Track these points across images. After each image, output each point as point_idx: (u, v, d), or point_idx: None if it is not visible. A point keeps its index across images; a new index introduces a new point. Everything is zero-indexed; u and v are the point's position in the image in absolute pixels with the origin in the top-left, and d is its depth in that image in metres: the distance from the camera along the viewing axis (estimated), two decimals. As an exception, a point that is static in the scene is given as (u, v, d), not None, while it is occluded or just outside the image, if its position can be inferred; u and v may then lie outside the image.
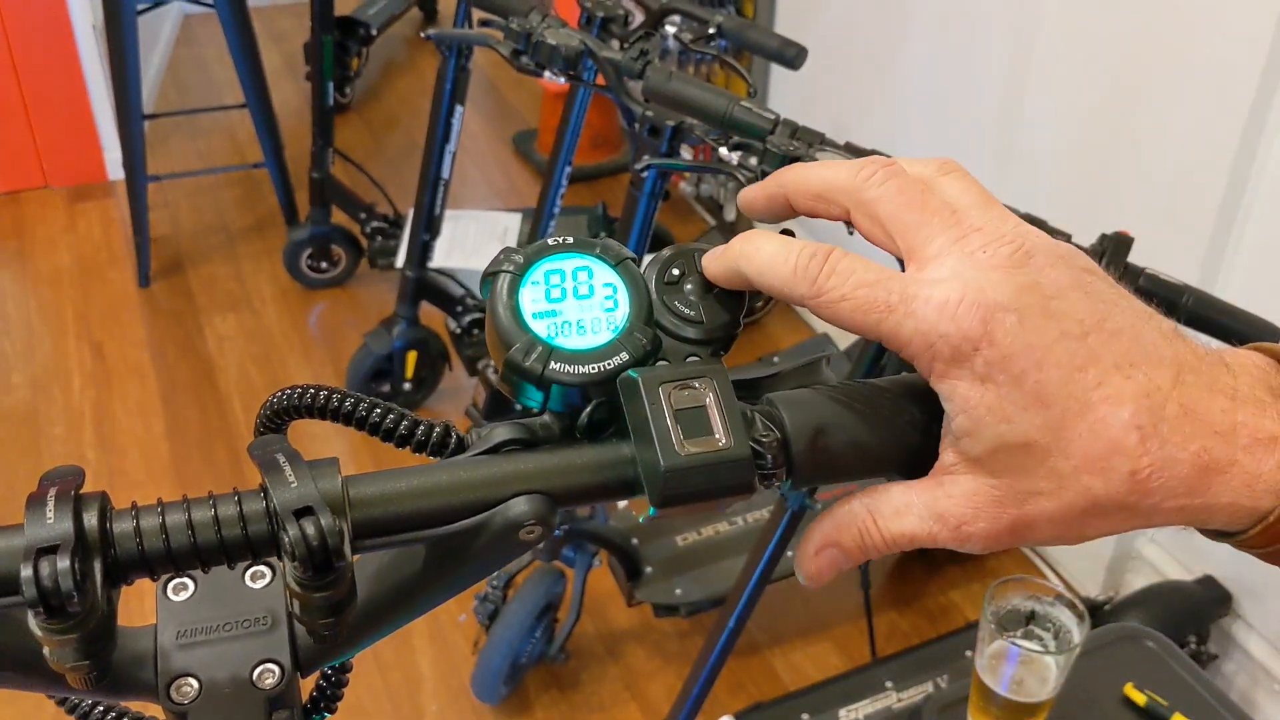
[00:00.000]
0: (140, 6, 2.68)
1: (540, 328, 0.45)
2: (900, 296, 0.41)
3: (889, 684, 1.87)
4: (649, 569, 1.99)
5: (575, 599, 2.00)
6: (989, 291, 0.41)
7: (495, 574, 2.00)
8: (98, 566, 0.39)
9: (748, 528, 2.11)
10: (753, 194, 0.48)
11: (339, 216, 2.97)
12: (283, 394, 0.48)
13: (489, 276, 0.46)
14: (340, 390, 0.47)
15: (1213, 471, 0.41)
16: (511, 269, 0.46)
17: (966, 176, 0.45)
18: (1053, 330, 0.41)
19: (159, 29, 4.01)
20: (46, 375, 2.75)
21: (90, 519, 0.39)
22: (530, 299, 0.45)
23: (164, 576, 0.43)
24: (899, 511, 0.44)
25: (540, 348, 0.44)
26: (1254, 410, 0.42)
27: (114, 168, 3.41)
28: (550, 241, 0.47)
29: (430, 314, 2.54)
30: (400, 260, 2.52)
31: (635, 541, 2.01)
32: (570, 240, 0.47)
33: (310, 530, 0.38)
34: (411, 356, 2.55)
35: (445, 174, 2.30)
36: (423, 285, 2.44)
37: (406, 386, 2.60)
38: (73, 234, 3.26)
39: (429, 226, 2.37)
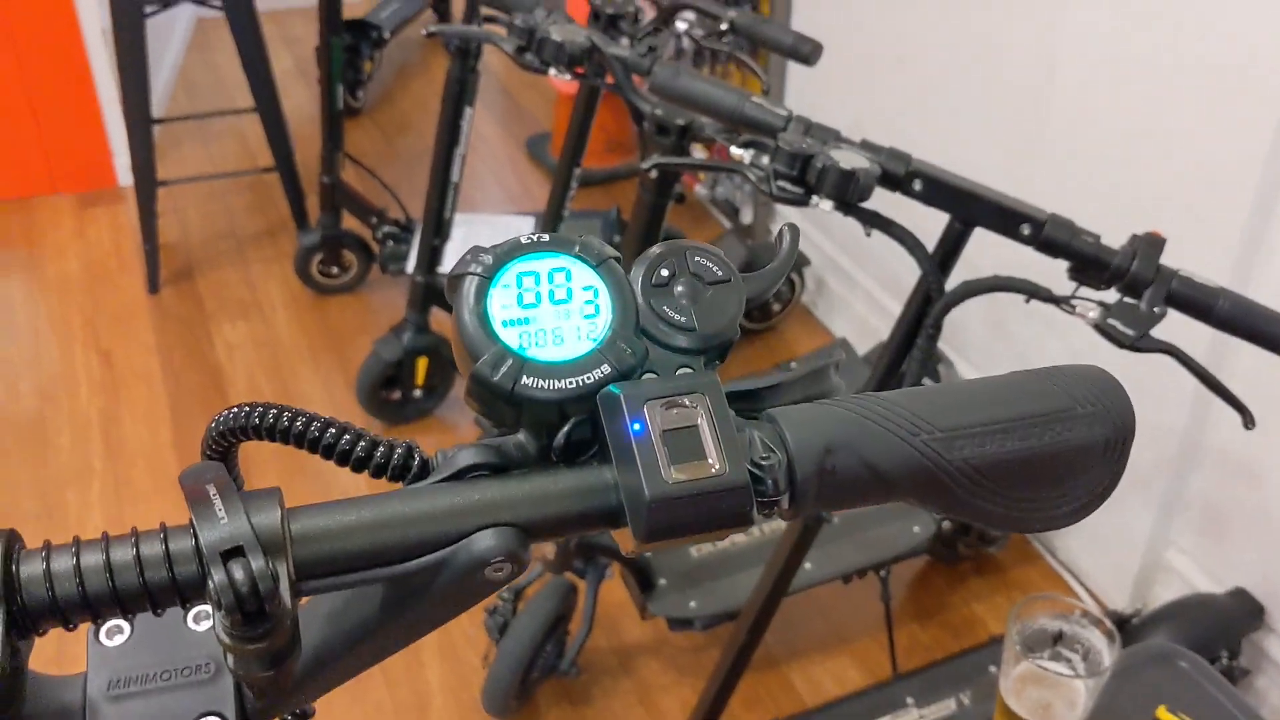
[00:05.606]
0: (149, 9, 2.66)
1: (511, 337, 0.40)
2: None
3: (910, 700, 1.82)
4: (662, 581, 1.94)
5: (587, 611, 1.95)
6: None
7: (505, 586, 1.95)
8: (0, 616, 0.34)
9: (764, 539, 2.06)
10: None
11: (350, 222, 2.94)
12: (228, 414, 0.43)
13: (455, 279, 0.41)
14: (291, 409, 0.42)
15: None
16: (479, 270, 0.41)
17: None
18: None
19: (170, 32, 3.99)
20: (54, 383, 2.72)
21: None
22: (500, 304, 0.40)
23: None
24: None
25: (511, 360, 0.39)
26: None
27: (123, 173, 3.39)
28: (524, 239, 0.42)
29: (442, 320, 2.50)
30: (411, 265, 2.49)
31: (648, 553, 1.96)
32: (546, 238, 0.42)
33: (239, 575, 0.34)
34: (422, 363, 2.52)
35: (455, 177, 2.27)
36: (433, 291, 2.41)
37: (417, 394, 2.57)
38: (82, 240, 3.24)
39: (439, 230, 2.34)
